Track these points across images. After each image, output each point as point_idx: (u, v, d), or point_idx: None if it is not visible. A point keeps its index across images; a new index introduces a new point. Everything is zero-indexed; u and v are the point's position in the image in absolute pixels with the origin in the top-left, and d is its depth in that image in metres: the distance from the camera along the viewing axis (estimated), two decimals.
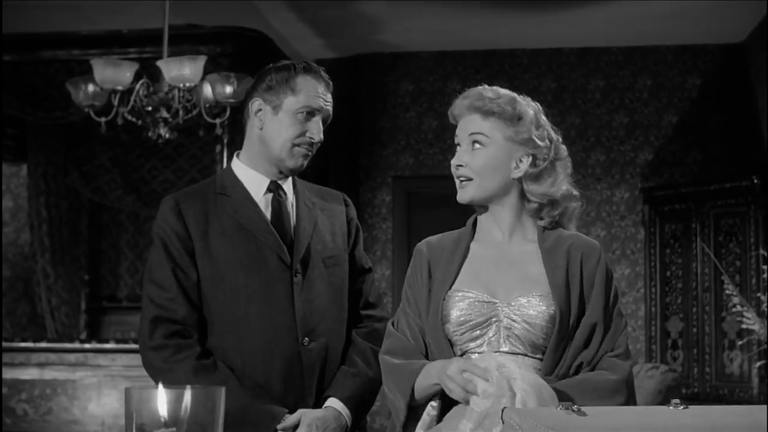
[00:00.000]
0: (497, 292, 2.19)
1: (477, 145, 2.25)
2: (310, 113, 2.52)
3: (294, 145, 2.52)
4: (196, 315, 2.49)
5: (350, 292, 2.65)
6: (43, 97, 6.36)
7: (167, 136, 5.15)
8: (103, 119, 5.07)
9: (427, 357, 2.24)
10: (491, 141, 2.24)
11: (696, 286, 6.31)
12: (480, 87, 2.30)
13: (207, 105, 5.12)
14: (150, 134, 5.18)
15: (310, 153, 2.56)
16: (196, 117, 5.17)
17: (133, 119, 5.17)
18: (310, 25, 6.69)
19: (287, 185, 2.62)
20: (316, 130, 2.53)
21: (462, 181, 2.27)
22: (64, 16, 6.28)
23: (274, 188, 2.59)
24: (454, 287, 2.22)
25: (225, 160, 6.02)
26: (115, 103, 5.08)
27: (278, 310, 2.49)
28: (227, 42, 6.18)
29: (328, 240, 2.61)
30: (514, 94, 2.29)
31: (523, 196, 2.27)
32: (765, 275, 5.48)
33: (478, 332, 2.17)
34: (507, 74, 7.25)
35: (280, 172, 2.58)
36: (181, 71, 4.91)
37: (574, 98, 7.21)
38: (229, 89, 5.02)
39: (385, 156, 7.33)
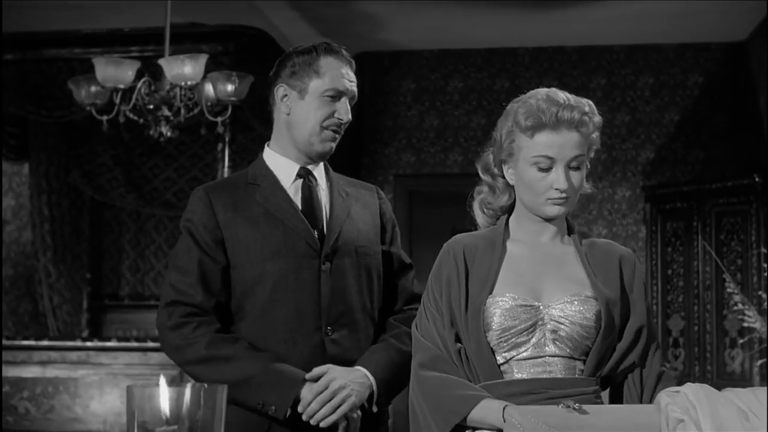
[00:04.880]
0: (541, 293, 2.14)
1: (576, 165, 2.14)
2: (336, 95, 2.51)
3: (323, 128, 2.51)
4: (214, 300, 2.47)
5: (395, 289, 2.62)
6: (45, 95, 6.37)
7: (169, 134, 5.16)
8: (104, 118, 5.08)
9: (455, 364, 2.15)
10: (584, 159, 2.16)
11: (697, 284, 6.31)
12: (562, 96, 2.15)
13: (208, 103, 5.12)
14: (152, 132, 5.18)
15: (338, 135, 2.55)
16: (197, 115, 5.18)
17: (135, 118, 5.17)
18: (312, 23, 6.69)
19: (318, 172, 2.60)
20: (344, 111, 2.52)
21: (559, 200, 2.15)
22: (65, 14, 6.29)
23: (305, 174, 2.57)
24: (494, 291, 2.13)
25: (227, 158, 6.03)
26: (117, 101, 5.09)
27: (304, 298, 2.46)
28: (229, 40, 6.18)
29: (362, 229, 2.58)
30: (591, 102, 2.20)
31: None
32: (766, 273, 5.49)
33: (523, 338, 2.10)
34: (508, 73, 7.26)
35: (309, 158, 2.56)
36: (182, 70, 4.91)
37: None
38: (230, 87, 5.03)
39: (386, 154, 7.34)
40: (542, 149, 2.12)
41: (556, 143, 2.12)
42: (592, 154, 2.25)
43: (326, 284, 2.48)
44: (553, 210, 2.16)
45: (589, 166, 2.25)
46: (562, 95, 2.16)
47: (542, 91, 2.18)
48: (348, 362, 2.48)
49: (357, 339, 2.51)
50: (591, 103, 2.20)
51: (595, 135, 2.20)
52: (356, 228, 2.56)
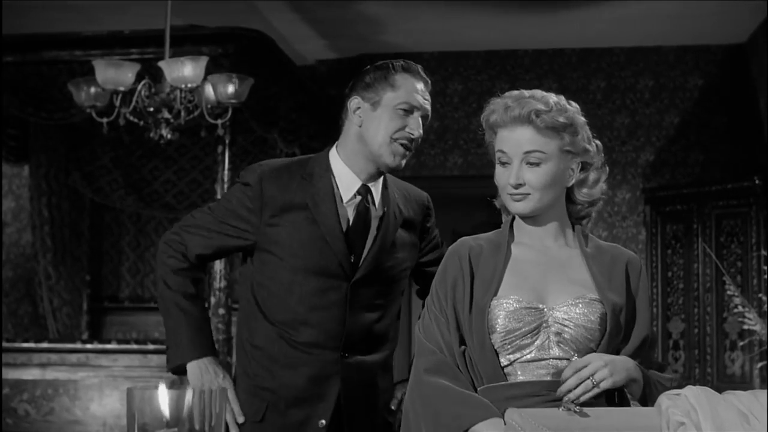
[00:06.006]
0: (545, 295, 2.13)
1: (533, 161, 2.15)
2: (409, 110, 2.52)
3: (393, 140, 2.51)
4: (201, 256, 2.55)
5: None
6: (44, 97, 6.36)
7: (169, 136, 5.15)
8: (104, 120, 5.07)
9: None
10: (548, 157, 2.15)
11: (697, 286, 6.31)
12: (526, 95, 2.18)
13: (209, 106, 5.12)
14: (152, 135, 5.17)
15: (408, 150, 2.55)
16: (197, 118, 5.17)
17: (135, 120, 5.16)
18: (312, 25, 6.70)
19: (376, 189, 2.59)
20: (415, 126, 2.53)
21: (517, 195, 2.16)
22: (65, 16, 6.29)
23: (364, 192, 2.56)
24: (499, 294, 2.13)
25: (227, 160, 6.01)
26: (117, 103, 5.08)
27: (327, 318, 2.48)
28: (229, 43, 6.16)
29: (398, 257, 2.58)
30: (562, 100, 2.21)
31: (568, 200, 2.25)
32: (766, 276, 5.48)
33: (527, 341, 2.10)
34: (508, 75, 7.25)
35: (378, 171, 2.56)
36: (182, 72, 4.90)
37: (575, 99, 7.00)
38: (230, 90, 5.02)
39: None
40: (498, 145, 2.20)
41: (510, 138, 2.17)
42: (593, 159, 2.25)
43: (350, 308, 2.49)
44: (513, 206, 2.18)
45: (591, 172, 2.24)
46: (526, 93, 2.20)
47: (511, 93, 2.22)
48: (360, 384, 2.50)
49: (373, 362, 2.53)
50: (562, 102, 2.20)
51: (567, 137, 2.18)
52: (394, 257, 2.57)
